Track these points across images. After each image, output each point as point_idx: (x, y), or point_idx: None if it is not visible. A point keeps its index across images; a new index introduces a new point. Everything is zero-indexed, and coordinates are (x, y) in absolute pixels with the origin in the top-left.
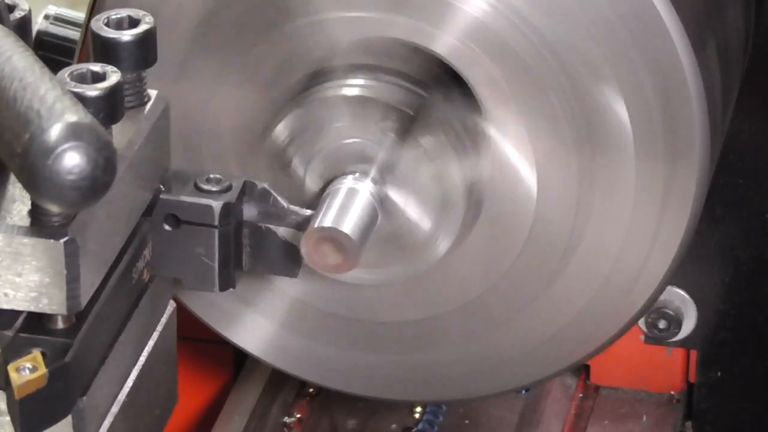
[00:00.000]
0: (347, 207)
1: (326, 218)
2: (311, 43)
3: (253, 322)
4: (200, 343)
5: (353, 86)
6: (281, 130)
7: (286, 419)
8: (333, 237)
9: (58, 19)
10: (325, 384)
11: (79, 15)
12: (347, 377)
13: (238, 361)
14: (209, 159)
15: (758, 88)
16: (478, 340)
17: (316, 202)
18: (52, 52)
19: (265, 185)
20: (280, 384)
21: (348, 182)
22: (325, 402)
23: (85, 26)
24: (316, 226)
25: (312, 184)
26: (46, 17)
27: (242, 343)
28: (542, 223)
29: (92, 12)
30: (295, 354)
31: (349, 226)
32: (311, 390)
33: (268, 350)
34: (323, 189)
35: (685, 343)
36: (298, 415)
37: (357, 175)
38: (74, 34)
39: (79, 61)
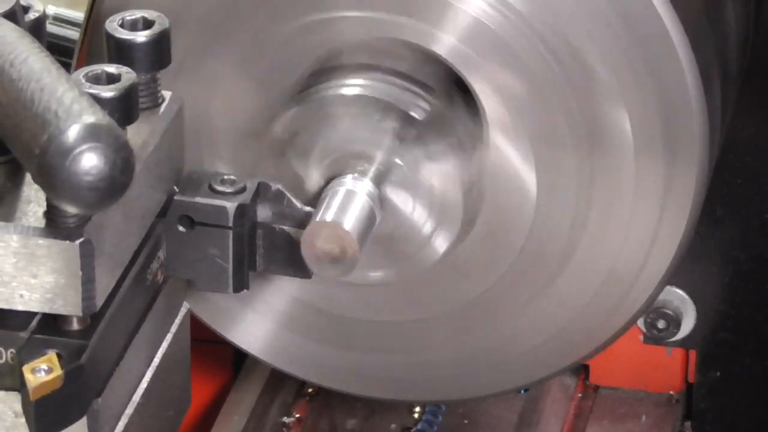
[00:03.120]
0: (346, 206)
1: (326, 216)
2: (312, 42)
3: (252, 322)
4: (200, 343)
5: (353, 86)
6: (282, 129)
7: (286, 419)
8: (332, 235)
9: (58, 19)
10: (324, 384)
11: (78, 15)
12: (346, 377)
13: (238, 360)
14: (208, 159)
15: (757, 89)
16: (478, 340)
17: (316, 201)
18: (52, 52)
19: (279, 186)
20: (280, 384)
21: (347, 182)
22: (325, 402)
23: (85, 26)
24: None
25: (312, 183)
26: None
27: (242, 343)
28: (541, 223)
29: (91, 12)
30: (295, 354)
31: (349, 224)
32: (310, 390)
33: (268, 350)
34: (323, 188)
35: (684, 343)
36: (298, 415)
37: (356, 174)
38: (73, 33)
39: (79, 61)
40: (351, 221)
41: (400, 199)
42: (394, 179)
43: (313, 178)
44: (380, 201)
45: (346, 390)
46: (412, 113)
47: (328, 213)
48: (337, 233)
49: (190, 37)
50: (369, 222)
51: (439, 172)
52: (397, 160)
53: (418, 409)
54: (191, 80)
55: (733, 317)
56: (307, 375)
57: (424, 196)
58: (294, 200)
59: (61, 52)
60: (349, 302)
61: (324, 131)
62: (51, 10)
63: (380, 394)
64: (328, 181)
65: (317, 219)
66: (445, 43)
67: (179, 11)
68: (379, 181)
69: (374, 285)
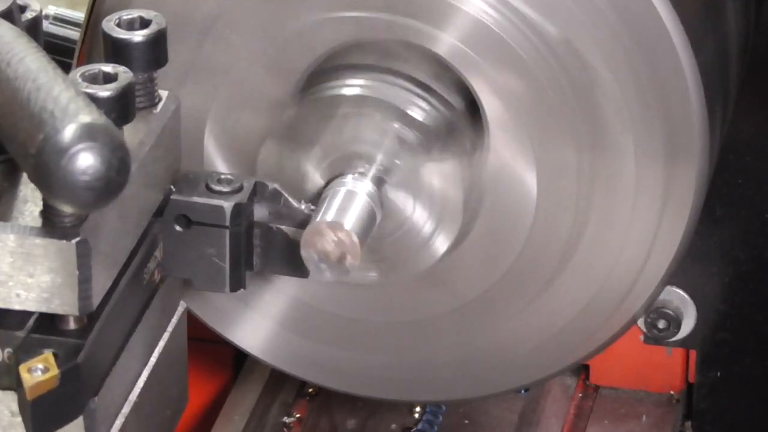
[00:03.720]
0: (346, 207)
1: (326, 217)
2: (313, 42)
3: (252, 322)
4: (200, 343)
5: (353, 86)
6: (281, 130)
7: (286, 419)
8: (332, 234)
9: (58, 19)
10: (324, 384)
11: (79, 15)
12: (347, 377)
13: (238, 360)
14: (208, 160)
15: (758, 88)
16: (477, 340)
17: (316, 202)
18: (52, 52)
19: (276, 185)
20: (280, 384)
21: (347, 182)
22: (325, 402)
23: (85, 26)
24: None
25: (312, 184)
26: (46, 17)
27: (242, 343)
28: (542, 223)
29: (92, 12)
30: (295, 354)
31: (349, 224)
32: (311, 390)
33: (268, 350)
34: (323, 189)
35: (684, 343)
36: (298, 415)
37: (356, 175)
38: (74, 34)
39: (79, 61)
40: (351, 221)
41: (400, 199)
42: (395, 179)
43: (314, 178)
44: (380, 201)
45: (347, 390)
46: (413, 114)
47: (328, 213)
48: (338, 234)
49: (191, 39)
50: (369, 222)
51: (440, 173)
52: (398, 161)
53: (418, 409)
54: (192, 83)
55: (734, 317)
56: (307, 375)
57: (424, 196)
58: (291, 200)
59: (62, 52)
60: (350, 302)
61: (325, 131)
62: (51, 10)
63: (381, 394)
64: (329, 181)
65: (317, 219)
66: (445, 44)
67: (179, 12)
68: (380, 181)
69: (374, 285)
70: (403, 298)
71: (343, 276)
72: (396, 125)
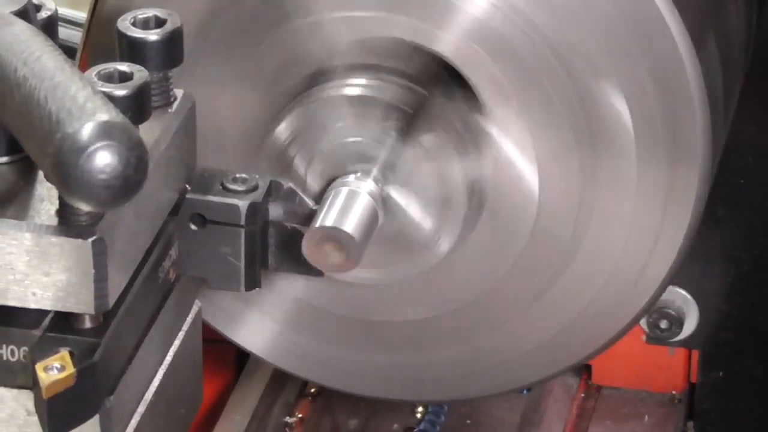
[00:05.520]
0: (349, 207)
1: (328, 218)
2: (313, 42)
3: (254, 322)
4: (202, 343)
5: (354, 86)
6: (282, 130)
7: (288, 419)
8: (335, 236)
9: (60, 19)
10: (326, 384)
11: (81, 15)
12: (349, 377)
13: (240, 360)
14: (210, 159)
15: (760, 89)
16: (479, 340)
17: (317, 201)
18: None
19: (291, 184)
20: (282, 384)
21: (349, 182)
22: (327, 402)
23: (87, 26)
24: (317, 225)
25: (313, 183)
26: None
27: (244, 343)
28: (544, 224)
29: (93, 12)
30: (297, 353)
31: (351, 225)
32: (313, 390)
33: (270, 350)
34: (325, 188)
35: (686, 343)
36: (300, 415)
37: (359, 174)
38: (76, 34)
39: (81, 61)
40: (353, 222)
41: (402, 198)
42: (397, 179)
43: (317, 178)
44: (383, 201)
45: (349, 390)
46: (415, 113)
47: (330, 214)
48: (339, 234)
49: (190, 39)
50: (372, 222)
51: (442, 172)
52: (400, 160)
53: (420, 409)
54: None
55: (736, 317)
56: (309, 375)
57: (426, 195)
58: (306, 198)
59: (64, 52)
60: (352, 302)
61: (326, 131)
62: None
63: (382, 394)
64: (331, 180)
65: (319, 220)
66: (447, 43)
67: (180, 13)
68: (382, 180)
69: (377, 285)
70: (405, 298)
71: (345, 273)
72: (397, 124)
